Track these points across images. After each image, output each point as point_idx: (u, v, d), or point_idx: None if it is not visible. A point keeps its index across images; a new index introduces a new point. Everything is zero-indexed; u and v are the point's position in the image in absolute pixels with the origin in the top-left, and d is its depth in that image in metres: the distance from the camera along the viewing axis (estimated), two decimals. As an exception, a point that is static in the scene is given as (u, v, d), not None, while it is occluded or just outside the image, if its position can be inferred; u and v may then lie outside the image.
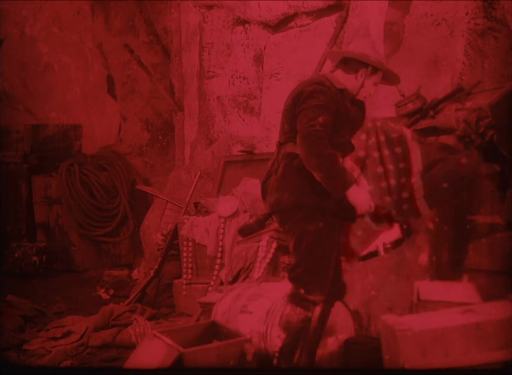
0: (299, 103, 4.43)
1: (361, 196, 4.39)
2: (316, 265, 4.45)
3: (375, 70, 4.65)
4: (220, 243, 6.93)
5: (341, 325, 4.97)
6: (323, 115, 4.34)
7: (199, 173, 7.73)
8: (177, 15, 9.45)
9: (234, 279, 6.53)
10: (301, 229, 4.46)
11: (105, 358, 5.88)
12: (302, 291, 4.47)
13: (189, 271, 7.10)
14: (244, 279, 6.38)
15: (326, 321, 4.65)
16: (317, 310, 4.58)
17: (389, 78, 4.80)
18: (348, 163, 4.68)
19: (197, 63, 9.17)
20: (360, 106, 4.72)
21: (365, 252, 4.94)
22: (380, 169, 4.84)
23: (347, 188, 4.35)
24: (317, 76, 5.09)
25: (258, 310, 5.07)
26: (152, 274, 7.32)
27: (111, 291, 8.13)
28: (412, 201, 4.82)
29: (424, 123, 5.91)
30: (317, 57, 7.53)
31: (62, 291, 8.14)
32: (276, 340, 4.61)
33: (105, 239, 9.43)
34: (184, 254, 7.12)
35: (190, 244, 7.10)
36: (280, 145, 4.60)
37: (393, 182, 4.82)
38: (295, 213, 4.47)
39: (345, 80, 4.60)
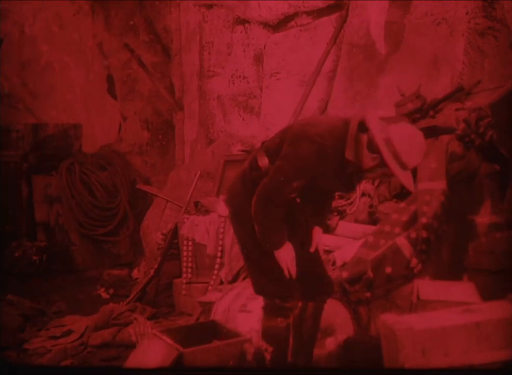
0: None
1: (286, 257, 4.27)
2: (275, 273, 4.33)
3: None
4: (220, 242, 6.92)
5: (340, 325, 4.97)
6: (300, 180, 4.19)
7: (198, 172, 7.73)
8: (177, 15, 9.45)
9: (234, 279, 6.54)
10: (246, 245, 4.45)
11: (105, 357, 5.87)
12: (277, 301, 4.37)
13: (189, 270, 7.09)
14: (244, 278, 6.38)
15: (320, 318, 4.61)
16: (309, 309, 4.56)
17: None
18: None
19: (197, 63, 9.17)
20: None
21: None
22: None
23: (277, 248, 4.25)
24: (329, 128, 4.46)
25: (258, 309, 5.06)
26: (152, 273, 7.32)
27: (111, 291, 8.13)
28: None
29: (424, 123, 5.91)
30: (317, 56, 7.54)
31: (62, 291, 8.15)
32: (264, 352, 4.56)
33: (105, 238, 9.43)
34: (184, 253, 7.12)
35: (190, 243, 7.10)
36: (262, 144, 4.52)
37: None
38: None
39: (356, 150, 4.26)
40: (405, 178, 4.18)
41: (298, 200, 4.38)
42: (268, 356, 4.46)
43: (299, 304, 4.48)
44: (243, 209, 4.32)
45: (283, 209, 4.21)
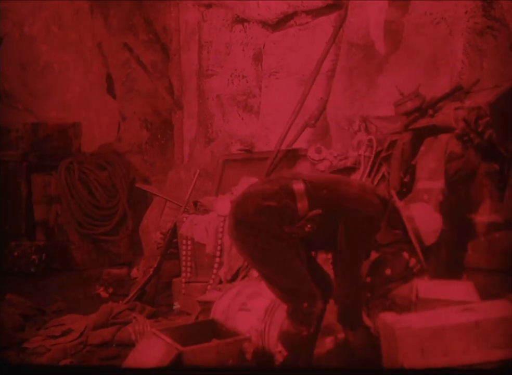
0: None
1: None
2: (294, 277, 4.37)
3: None
4: (219, 241, 6.93)
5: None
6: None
7: (198, 171, 7.74)
8: (176, 14, 9.45)
9: (233, 278, 6.54)
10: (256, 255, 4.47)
11: (104, 356, 5.87)
12: (305, 305, 4.35)
13: (188, 269, 7.10)
14: (243, 277, 6.39)
15: (322, 319, 4.63)
16: None
17: None
18: None
19: (196, 62, 9.17)
20: None
21: None
22: None
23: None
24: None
25: (257, 308, 5.07)
26: (151, 272, 7.32)
27: (110, 290, 8.13)
28: None
29: (423, 122, 5.91)
30: (316, 56, 7.53)
31: (61, 290, 8.15)
32: (276, 353, 4.56)
33: (105, 237, 9.44)
34: (184, 252, 7.12)
35: (189, 242, 7.10)
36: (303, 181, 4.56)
37: None
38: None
39: None
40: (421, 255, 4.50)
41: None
42: (280, 358, 4.44)
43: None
44: (262, 222, 4.34)
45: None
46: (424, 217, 4.50)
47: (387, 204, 4.51)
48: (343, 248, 4.37)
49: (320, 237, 4.41)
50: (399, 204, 4.50)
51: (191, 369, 4.55)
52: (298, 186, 4.40)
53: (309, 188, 4.40)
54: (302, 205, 4.34)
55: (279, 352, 4.46)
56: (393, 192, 4.62)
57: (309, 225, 4.33)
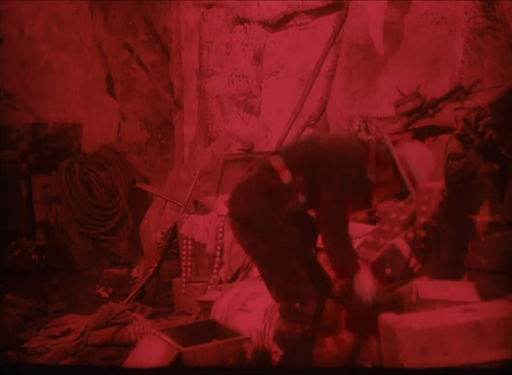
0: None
1: (366, 284, 4.39)
2: (289, 277, 4.37)
3: None
4: (220, 241, 6.93)
5: (340, 325, 4.97)
6: (347, 194, 4.32)
7: (198, 171, 7.74)
8: (177, 14, 9.45)
9: (234, 278, 6.54)
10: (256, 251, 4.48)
11: (104, 356, 5.88)
12: (297, 305, 4.36)
13: (188, 269, 7.10)
14: (243, 277, 6.39)
15: (321, 319, 4.62)
16: None
17: None
18: None
19: (196, 62, 9.17)
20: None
21: None
22: None
23: (356, 272, 4.37)
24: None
25: (257, 309, 5.07)
26: (151, 272, 7.32)
27: (110, 290, 8.13)
28: None
29: (423, 122, 5.91)
30: (316, 56, 7.54)
31: (61, 290, 8.15)
32: (272, 353, 4.56)
33: (105, 237, 9.44)
34: (184, 252, 7.12)
35: (190, 242, 7.10)
36: (277, 152, 4.58)
37: None
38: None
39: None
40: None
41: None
42: (276, 359, 4.46)
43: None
44: (257, 214, 4.36)
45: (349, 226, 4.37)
46: (416, 155, 4.39)
47: (370, 146, 4.44)
48: (326, 195, 4.32)
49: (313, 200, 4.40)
50: (390, 143, 4.40)
51: (191, 369, 4.56)
52: (276, 161, 4.41)
53: (287, 159, 4.40)
54: (285, 176, 4.35)
55: (275, 353, 4.48)
56: (385, 135, 4.56)
57: (301, 195, 4.34)
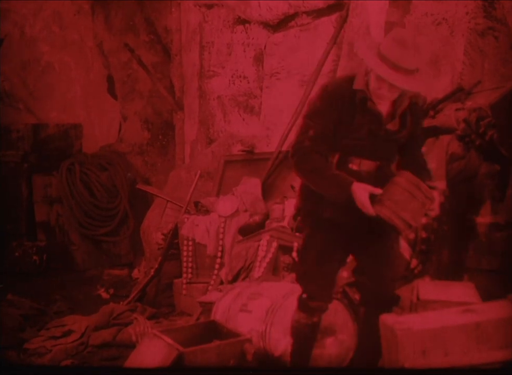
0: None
1: (360, 197, 4.11)
2: (315, 271, 4.39)
3: None
4: (220, 242, 6.93)
5: (340, 325, 4.97)
6: (315, 126, 4.21)
7: (199, 172, 7.74)
8: (178, 15, 9.45)
9: (234, 279, 6.54)
10: (305, 234, 4.50)
11: (105, 357, 5.88)
12: (305, 296, 4.43)
13: (189, 270, 7.10)
14: (244, 278, 6.38)
15: (320, 320, 4.62)
16: None
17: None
18: None
19: (197, 63, 9.17)
20: (374, 115, 4.28)
21: None
22: None
23: (346, 192, 4.11)
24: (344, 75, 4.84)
25: (258, 309, 5.07)
26: (152, 273, 7.32)
27: (111, 291, 8.13)
28: None
29: (424, 123, 5.91)
30: (317, 56, 7.54)
31: (62, 291, 8.15)
32: (281, 343, 4.58)
33: (106, 238, 9.44)
34: (185, 253, 7.12)
35: (190, 243, 7.10)
36: None
37: None
38: (306, 218, 4.50)
39: (361, 78, 4.33)
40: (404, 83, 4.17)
41: None
42: (289, 348, 4.55)
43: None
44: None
45: (316, 159, 4.19)
46: (395, 42, 4.19)
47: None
48: None
49: None
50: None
51: (192, 369, 4.56)
52: None
53: None
54: None
55: (288, 342, 4.60)
56: None
57: None
